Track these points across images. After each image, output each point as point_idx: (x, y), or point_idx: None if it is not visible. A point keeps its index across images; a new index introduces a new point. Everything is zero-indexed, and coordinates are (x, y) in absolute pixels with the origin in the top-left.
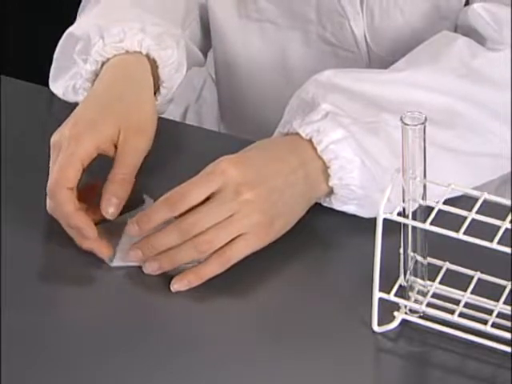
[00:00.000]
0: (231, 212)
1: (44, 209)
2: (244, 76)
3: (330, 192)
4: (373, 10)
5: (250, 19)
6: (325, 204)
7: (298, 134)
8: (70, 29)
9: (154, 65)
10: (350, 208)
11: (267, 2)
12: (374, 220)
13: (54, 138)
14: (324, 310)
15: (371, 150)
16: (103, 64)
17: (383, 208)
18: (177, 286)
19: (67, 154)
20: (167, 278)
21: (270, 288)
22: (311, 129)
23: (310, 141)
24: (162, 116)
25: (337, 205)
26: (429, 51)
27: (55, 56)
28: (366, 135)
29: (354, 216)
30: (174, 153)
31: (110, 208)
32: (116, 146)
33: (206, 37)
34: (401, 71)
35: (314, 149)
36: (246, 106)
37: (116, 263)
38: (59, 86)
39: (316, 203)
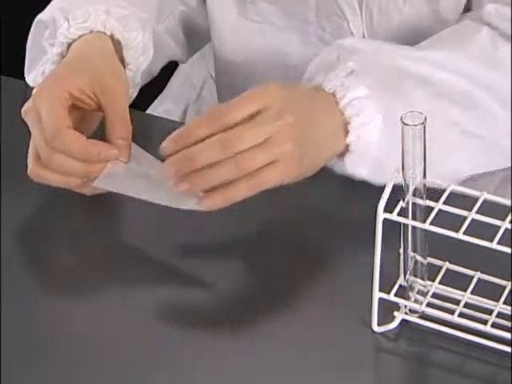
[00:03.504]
0: (271, 134)
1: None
2: (243, 76)
3: (345, 151)
4: (372, 11)
5: (249, 20)
6: (336, 168)
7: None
8: (39, 16)
9: (118, 46)
10: (361, 172)
11: (266, 3)
12: (373, 219)
13: (24, 107)
14: (324, 310)
15: (393, 113)
16: (69, 46)
17: (383, 208)
18: (203, 203)
19: (47, 106)
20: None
21: (269, 288)
22: (334, 83)
23: (333, 95)
24: (162, 116)
25: (349, 167)
26: (452, 37)
27: (28, 46)
28: (389, 98)
29: (354, 215)
30: None
31: (123, 151)
32: (92, 98)
33: (190, 40)
34: (424, 49)
35: (337, 103)
36: None
37: (96, 184)
38: (33, 76)
39: (317, 203)
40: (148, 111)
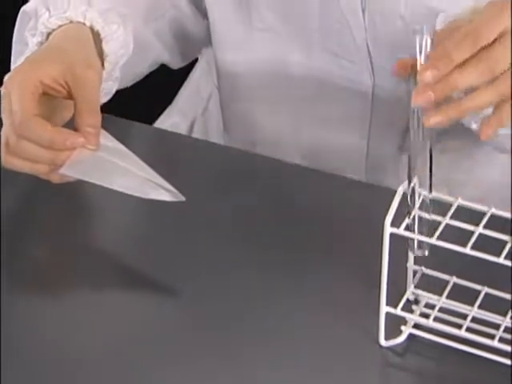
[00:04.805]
0: None
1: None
2: (246, 85)
3: None
4: (374, 19)
5: (252, 28)
6: None
7: None
8: (23, 7)
9: (97, 39)
10: None
11: (269, 11)
12: (380, 232)
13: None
14: (330, 324)
15: None
16: (49, 36)
17: (390, 222)
18: (432, 119)
19: (17, 93)
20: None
21: (275, 302)
22: None
23: None
24: (168, 129)
25: None
26: None
27: (13, 40)
28: None
29: (360, 228)
30: (180, 166)
31: (91, 139)
32: (64, 87)
33: (182, 45)
34: None
35: None
36: (248, 114)
37: (63, 171)
38: None
39: (322, 217)
40: (155, 125)
